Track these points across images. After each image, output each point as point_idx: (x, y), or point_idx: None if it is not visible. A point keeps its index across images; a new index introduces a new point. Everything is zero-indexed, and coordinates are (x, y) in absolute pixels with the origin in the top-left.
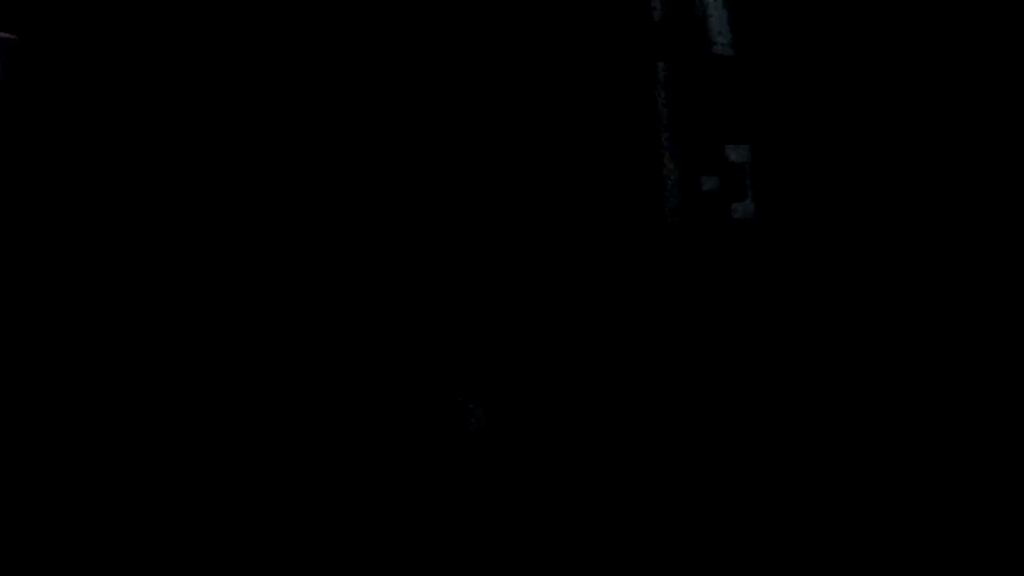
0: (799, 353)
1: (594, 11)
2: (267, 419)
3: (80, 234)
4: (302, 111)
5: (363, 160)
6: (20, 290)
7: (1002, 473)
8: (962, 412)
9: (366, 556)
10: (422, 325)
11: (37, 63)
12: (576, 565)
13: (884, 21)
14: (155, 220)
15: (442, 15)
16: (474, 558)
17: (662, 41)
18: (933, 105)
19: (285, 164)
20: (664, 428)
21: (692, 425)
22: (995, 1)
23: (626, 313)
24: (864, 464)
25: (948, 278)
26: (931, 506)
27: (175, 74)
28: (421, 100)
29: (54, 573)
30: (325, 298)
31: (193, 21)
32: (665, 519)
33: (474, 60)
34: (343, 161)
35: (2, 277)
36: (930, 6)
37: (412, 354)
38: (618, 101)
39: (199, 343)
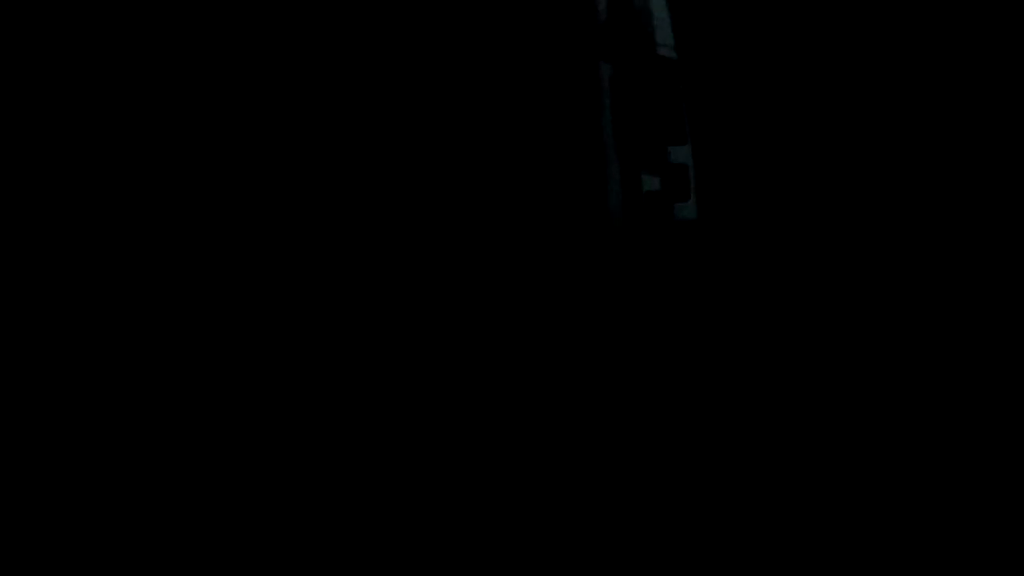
0: (738, 350)
1: (539, 10)
2: None
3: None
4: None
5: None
6: None
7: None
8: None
9: None
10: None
11: None
12: None
13: (825, 25)
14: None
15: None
16: None
17: (607, 42)
18: (876, 107)
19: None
20: (612, 426)
21: (640, 423)
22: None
23: (567, 310)
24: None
25: (893, 281)
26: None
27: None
28: (357, 100)
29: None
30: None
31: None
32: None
33: (416, 56)
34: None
35: None
36: (869, 8)
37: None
38: (562, 101)
39: None
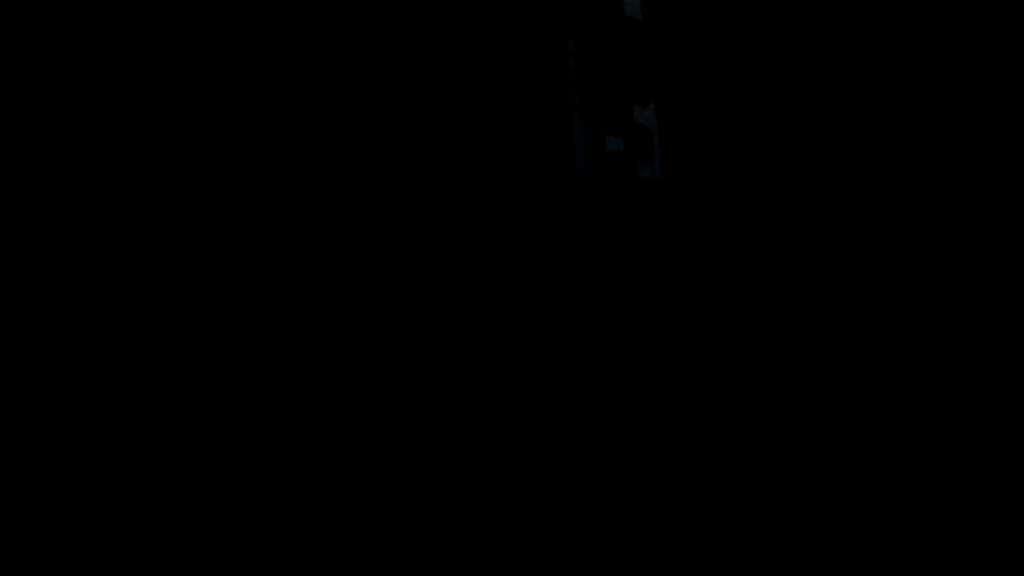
0: (698, 309)
1: None
2: None
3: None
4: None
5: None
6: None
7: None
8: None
9: None
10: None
11: None
12: None
13: None
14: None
15: None
16: None
17: (572, 3)
18: (839, 70)
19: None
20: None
21: (599, 395)
22: None
23: (533, 268)
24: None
25: (853, 247)
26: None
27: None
28: (329, 57)
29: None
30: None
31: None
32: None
33: (385, 16)
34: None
35: None
36: None
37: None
38: (527, 62)
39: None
